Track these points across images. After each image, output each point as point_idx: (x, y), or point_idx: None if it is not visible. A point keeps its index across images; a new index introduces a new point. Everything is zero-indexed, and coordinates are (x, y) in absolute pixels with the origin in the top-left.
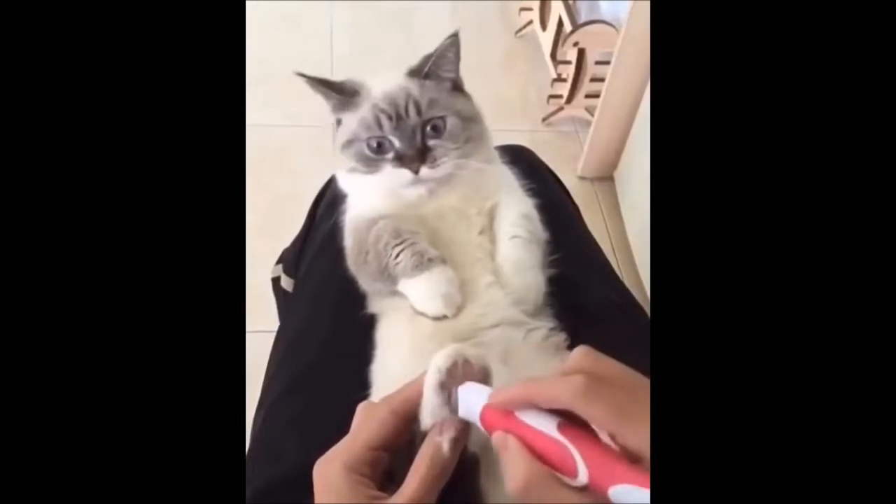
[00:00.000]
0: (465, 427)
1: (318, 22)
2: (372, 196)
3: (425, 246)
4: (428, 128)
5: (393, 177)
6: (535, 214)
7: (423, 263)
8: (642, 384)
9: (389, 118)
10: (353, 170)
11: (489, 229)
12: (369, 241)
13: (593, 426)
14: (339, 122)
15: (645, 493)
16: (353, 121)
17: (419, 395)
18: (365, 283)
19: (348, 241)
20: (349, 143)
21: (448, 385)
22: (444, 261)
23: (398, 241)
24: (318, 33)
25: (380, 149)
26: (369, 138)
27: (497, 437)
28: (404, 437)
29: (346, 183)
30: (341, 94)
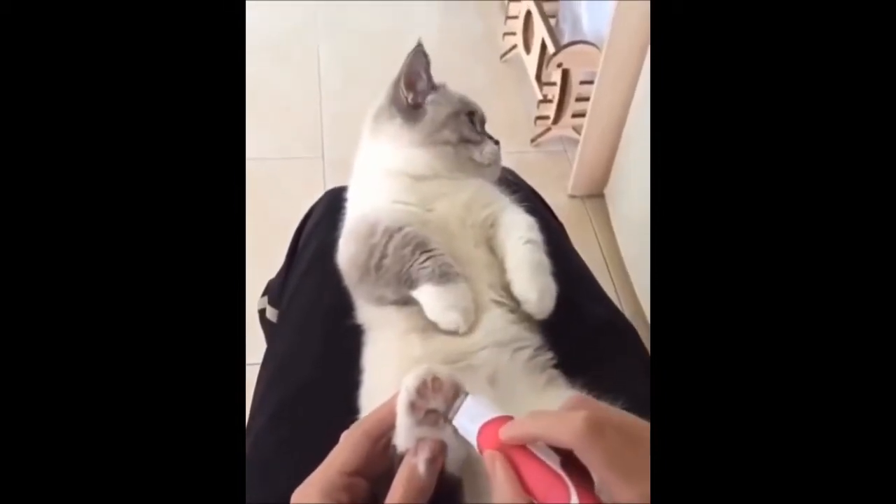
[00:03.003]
0: (441, 447)
1: (306, 53)
2: (391, 198)
3: (452, 261)
4: None
5: (490, 149)
6: (536, 225)
7: (450, 274)
8: (642, 429)
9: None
10: (447, 142)
11: (483, 242)
12: (391, 244)
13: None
14: (416, 107)
15: None
16: (450, 98)
17: (392, 415)
18: (366, 289)
19: (350, 247)
20: (455, 115)
21: (419, 405)
22: (466, 280)
23: (427, 249)
24: (306, 65)
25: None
26: (470, 112)
27: (487, 457)
28: (381, 460)
29: (380, 181)
30: None
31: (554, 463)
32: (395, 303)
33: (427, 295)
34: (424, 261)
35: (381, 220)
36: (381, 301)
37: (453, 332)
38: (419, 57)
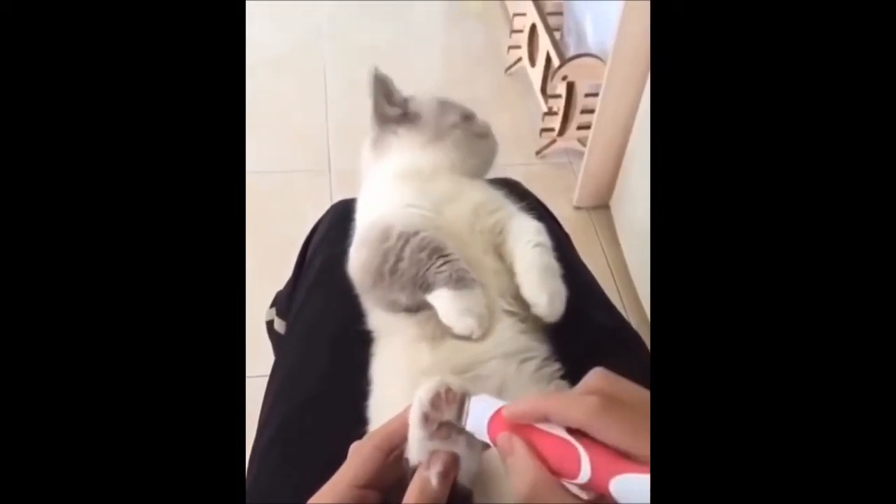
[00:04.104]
0: (454, 459)
1: (311, 67)
2: (411, 206)
3: (467, 266)
4: None
5: (481, 119)
6: (545, 230)
7: (466, 280)
8: None
9: None
10: (455, 126)
11: (492, 249)
12: (408, 248)
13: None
14: (406, 113)
15: (644, 478)
16: (425, 95)
17: (404, 428)
18: (378, 295)
19: (362, 253)
20: (442, 101)
21: (432, 417)
22: (482, 286)
23: (444, 254)
24: (312, 78)
25: None
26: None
27: (502, 439)
28: (392, 473)
29: (391, 189)
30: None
31: (559, 431)
32: (408, 308)
33: (443, 299)
34: (441, 265)
35: (394, 225)
36: (393, 306)
37: (466, 338)
38: (380, 80)
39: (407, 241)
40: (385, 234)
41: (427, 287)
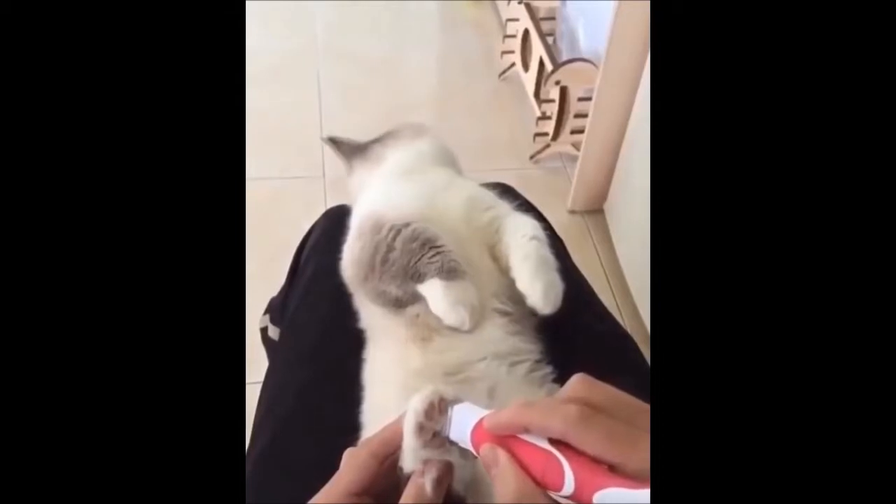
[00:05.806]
0: (448, 467)
1: (305, 74)
2: (404, 199)
3: (459, 258)
4: None
5: None
6: (541, 226)
7: (458, 271)
8: (641, 410)
9: None
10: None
11: (487, 249)
12: (399, 239)
13: (589, 453)
14: (377, 139)
15: (629, 493)
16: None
17: (398, 436)
18: (370, 286)
19: (355, 246)
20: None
21: (427, 426)
22: (473, 280)
23: (436, 245)
24: (306, 86)
25: None
26: None
27: (486, 451)
28: (387, 479)
29: (384, 186)
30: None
31: (542, 442)
32: (398, 300)
33: (434, 289)
34: (433, 256)
35: (386, 217)
36: (383, 298)
37: (456, 331)
38: (334, 143)
39: (399, 233)
40: (377, 226)
41: (418, 277)
